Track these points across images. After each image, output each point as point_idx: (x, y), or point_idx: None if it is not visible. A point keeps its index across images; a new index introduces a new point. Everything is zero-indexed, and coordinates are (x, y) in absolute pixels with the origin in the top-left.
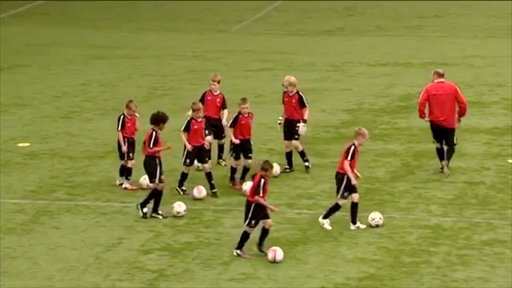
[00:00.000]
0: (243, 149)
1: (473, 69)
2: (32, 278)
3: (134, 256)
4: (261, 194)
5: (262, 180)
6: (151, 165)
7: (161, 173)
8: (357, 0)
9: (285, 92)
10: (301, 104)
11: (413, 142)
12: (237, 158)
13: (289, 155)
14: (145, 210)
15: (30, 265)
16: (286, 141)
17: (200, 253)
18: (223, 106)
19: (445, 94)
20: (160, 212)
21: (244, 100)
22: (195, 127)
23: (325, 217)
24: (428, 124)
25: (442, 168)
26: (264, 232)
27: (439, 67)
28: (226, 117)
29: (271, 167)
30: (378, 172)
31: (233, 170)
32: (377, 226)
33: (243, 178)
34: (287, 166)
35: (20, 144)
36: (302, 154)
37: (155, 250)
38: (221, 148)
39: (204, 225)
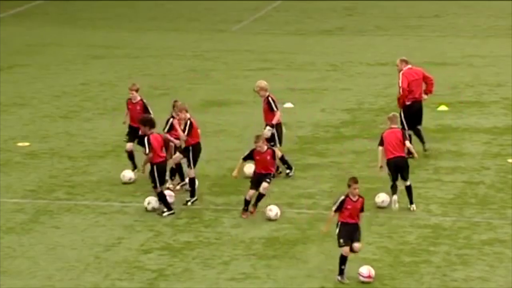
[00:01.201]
0: (257, 182)
1: (473, 69)
2: (32, 277)
3: (133, 255)
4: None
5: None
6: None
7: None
8: (357, 0)
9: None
10: (270, 108)
11: (413, 142)
12: (251, 188)
13: (281, 159)
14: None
15: (30, 265)
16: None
17: (199, 253)
18: (146, 111)
19: (419, 78)
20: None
21: (257, 137)
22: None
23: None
24: (428, 123)
25: (426, 148)
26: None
27: (439, 66)
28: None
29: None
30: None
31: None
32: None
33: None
34: (287, 171)
35: (20, 144)
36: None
37: (154, 250)
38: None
39: (203, 224)
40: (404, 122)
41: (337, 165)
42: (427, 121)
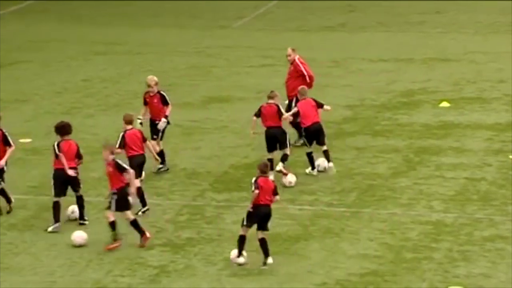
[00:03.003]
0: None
1: (475, 65)
2: (34, 274)
3: (135, 252)
4: None
5: None
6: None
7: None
8: None
9: (146, 93)
10: (164, 102)
11: (415, 138)
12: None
13: (160, 154)
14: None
15: (32, 261)
16: (152, 141)
17: (201, 249)
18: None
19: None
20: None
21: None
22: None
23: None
24: (429, 120)
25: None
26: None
27: (441, 63)
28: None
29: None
30: (380, 168)
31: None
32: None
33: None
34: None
35: (22, 140)
36: (160, 154)
37: (156, 246)
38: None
39: (205, 221)
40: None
41: (339, 161)
42: (429, 118)
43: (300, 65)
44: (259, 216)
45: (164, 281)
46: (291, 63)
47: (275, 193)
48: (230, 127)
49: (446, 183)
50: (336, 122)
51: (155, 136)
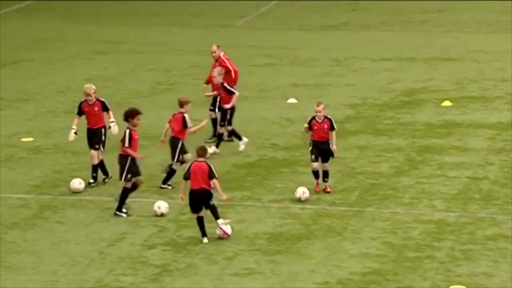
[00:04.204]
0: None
1: (477, 64)
2: (36, 273)
3: (137, 251)
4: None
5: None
6: (122, 163)
7: (130, 173)
8: None
9: (84, 102)
10: (105, 109)
11: (417, 137)
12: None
13: (100, 166)
14: (124, 211)
15: (34, 260)
16: (92, 151)
17: (203, 248)
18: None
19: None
20: (124, 210)
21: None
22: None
23: None
24: (432, 119)
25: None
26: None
27: (443, 62)
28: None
29: None
30: (382, 167)
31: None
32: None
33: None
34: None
35: (24, 139)
36: (101, 166)
37: (158, 245)
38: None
39: (207, 220)
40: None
41: (341, 161)
42: (431, 117)
43: (226, 61)
44: (192, 199)
45: (166, 280)
46: (216, 60)
47: (210, 176)
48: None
49: (449, 182)
50: (338, 121)
51: (97, 146)
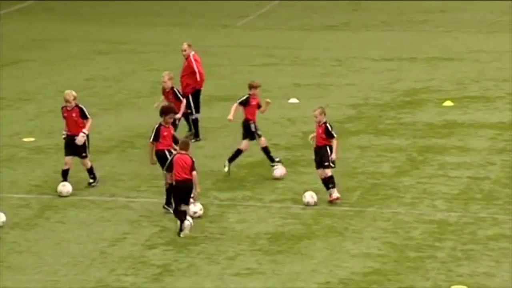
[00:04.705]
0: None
1: (478, 64)
2: (37, 272)
3: (139, 250)
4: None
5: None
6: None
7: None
8: None
9: (64, 107)
10: (83, 116)
11: (418, 137)
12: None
13: (90, 170)
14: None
15: (35, 260)
16: (66, 157)
17: (204, 248)
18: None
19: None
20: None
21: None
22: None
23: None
24: (433, 119)
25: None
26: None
27: (444, 62)
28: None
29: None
30: (383, 167)
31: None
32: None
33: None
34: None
35: (25, 139)
36: (89, 171)
37: (160, 245)
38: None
39: (208, 220)
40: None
41: (343, 161)
42: (433, 117)
43: (194, 62)
44: (178, 191)
45: (167, 280)
46: (186, 59)
47: (192, 169)
48: (233, 126)
49: (450, 182)
50: (340, 121)
51: (84, 154)
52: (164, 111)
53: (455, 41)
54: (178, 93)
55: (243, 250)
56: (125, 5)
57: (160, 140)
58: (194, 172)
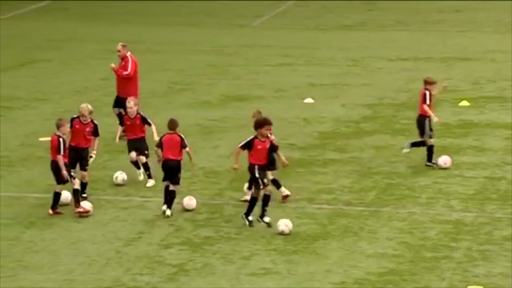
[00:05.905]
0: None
1: (494, 64)
2: (53, 272)
3: (154, 250)
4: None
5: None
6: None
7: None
8: None
9: (76, 118)
10: (95, 134)
11: (434, 137)
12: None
13: (85, 185)
14: (250, 218)
15: (51, 259)
16: (82, 172)
17: (220, 248)
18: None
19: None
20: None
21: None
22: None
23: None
24: (449, 119)
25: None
26: None
27: (460, 61)
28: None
29: None
30: (399, 167)
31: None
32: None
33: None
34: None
35: (42, 139)
36: (84, 185)
37: (175, 245)
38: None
39: (224, 219)
40: None
41: (358, 161)
42: (449, 116)
43: (130, 61)
44: (166, 169)
45: (183, 279)
46: (122, 59)
47: (183, 146)
48: (248, 126)
49: (466, 182)
50: (355, 121)
51: (86, 167)
52: (257, 125)
53: (471, 41)
54: (146, 119)
55: (259, 250)
56: (140, 5)
57: (252, 153)
58: (186, 149)
